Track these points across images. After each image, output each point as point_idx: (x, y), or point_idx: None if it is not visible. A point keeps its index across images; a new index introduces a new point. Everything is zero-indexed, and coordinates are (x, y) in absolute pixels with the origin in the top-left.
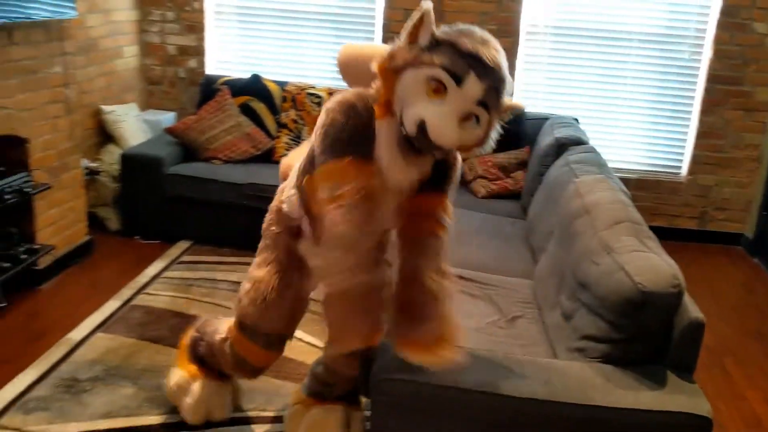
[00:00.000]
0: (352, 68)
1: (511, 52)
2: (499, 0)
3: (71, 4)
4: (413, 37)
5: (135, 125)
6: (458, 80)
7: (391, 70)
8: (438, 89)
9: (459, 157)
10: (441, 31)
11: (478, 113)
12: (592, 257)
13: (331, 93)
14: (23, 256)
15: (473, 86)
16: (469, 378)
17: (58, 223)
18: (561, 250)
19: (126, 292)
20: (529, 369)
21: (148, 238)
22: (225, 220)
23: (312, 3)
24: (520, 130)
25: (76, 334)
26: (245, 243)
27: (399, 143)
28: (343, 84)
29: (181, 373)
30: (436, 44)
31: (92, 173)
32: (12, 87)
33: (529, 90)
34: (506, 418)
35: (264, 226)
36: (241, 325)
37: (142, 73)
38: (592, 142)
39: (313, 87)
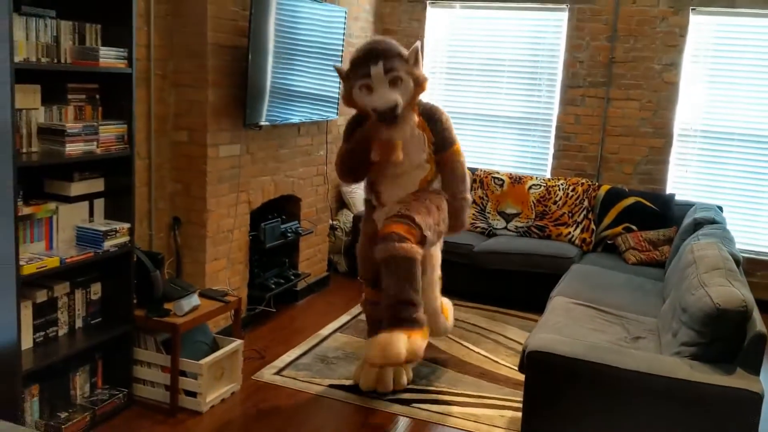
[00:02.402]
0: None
1: (665, 151)
2: (655, 109)
3: (335, 109)
4: (342, 79)
5: (362, 196)
6: (368, 75)
7: (347, 100)
8: (368, 88)
9: (444, 117)
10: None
11: (393, 76)
12: (691, 291)
13: (511, 177)
14: (291, 278)
15: (375, 69)
16: (596, 355)
17: (311, 259)
18: (675, 291)
19: (353, 311)
20: (638, 356)
21: None
22: None
23: (502, 109)
24: (669, 213)
25: (324, 332)
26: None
27: (377, 121)
28: (522, 170)
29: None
30: (348, 71)
31: (332, 228)
32: (296, 163)
33: (680, 181)
34: (619, 383)
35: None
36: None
37: None
38: (736, 228)
39: (498, 172)
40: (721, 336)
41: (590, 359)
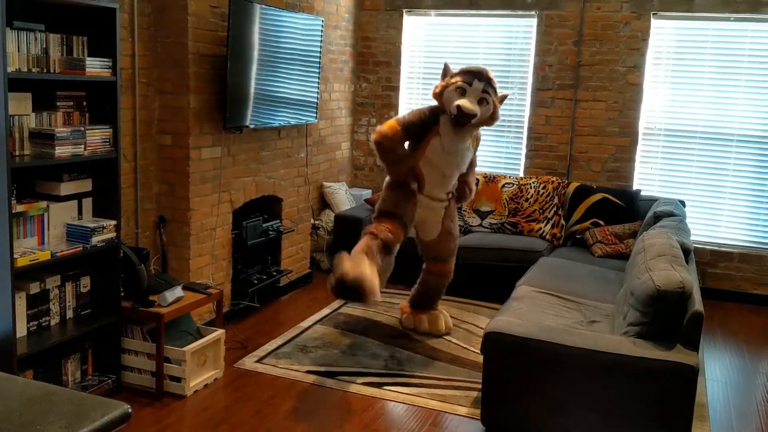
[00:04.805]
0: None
1: (631, 149)
2: (621, 109)
3: (314, 114)
4: (443, 76)
5: (344, 197)
6: (470, 84)
7: (438, 94)
8: (462, 91)
9: (480, 137)
10: (455, 69)
11: (485, 97)
12: (638, 276)
13: (485, 177)
14: (274, 274)
15: (477, 84)
16: (547, 335)
17: (293, 257)
18: (628, 277)
19: (334, 305)
20: (585, 336)
21: None
22: (397, 263)
23: None
24: (634, 208)
25: (304, 324)
26: (409, 280)
27: (451, 124)
28: (496, 169)
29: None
30: (454, 74)
31: (314, 227)
32: (277, 165)
33: (644, 177)
34: (568, 359)
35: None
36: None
37: (351, 161)
38: (699, 221)
39: None
40: (661, 315)
41: (541, 338)
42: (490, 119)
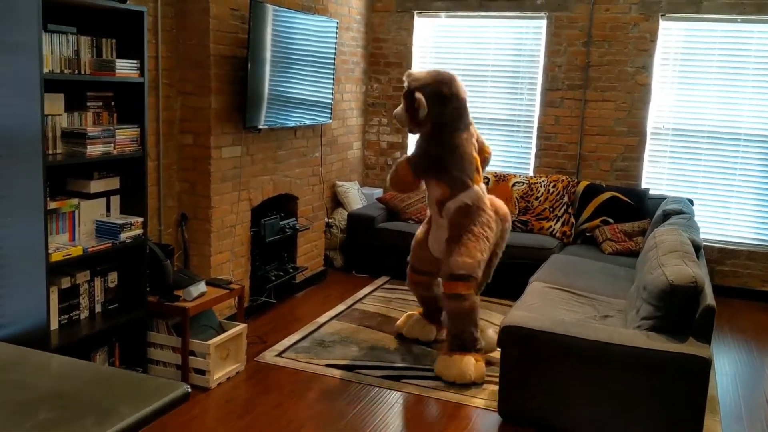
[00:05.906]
0: None
1: (639, 148)
2: (629, 109)
3: (328, 114)
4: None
5: (356, 195)
6: None
7: None
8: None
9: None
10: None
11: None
12: (651, 271)
13: (496, 176)
14: (290, 271)
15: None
16: (562, 329)
17: (308, 254)
18: (639, 273)
19: (348, 301)
20: (599, 329)
21: (361, 272)
22: None
23: (487, 111)
24: (643, 207)
25: (321, 319)
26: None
27: None
28: (506, 169)
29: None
30: None
31: (328, 226)
32: (293, 164)
33: (653, 176)
34: (583, 352)
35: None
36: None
37: (363, 160)
38: (707, 219)
39: None
40: (674, 309)
41: (557, 332)
42: (408, 102)
